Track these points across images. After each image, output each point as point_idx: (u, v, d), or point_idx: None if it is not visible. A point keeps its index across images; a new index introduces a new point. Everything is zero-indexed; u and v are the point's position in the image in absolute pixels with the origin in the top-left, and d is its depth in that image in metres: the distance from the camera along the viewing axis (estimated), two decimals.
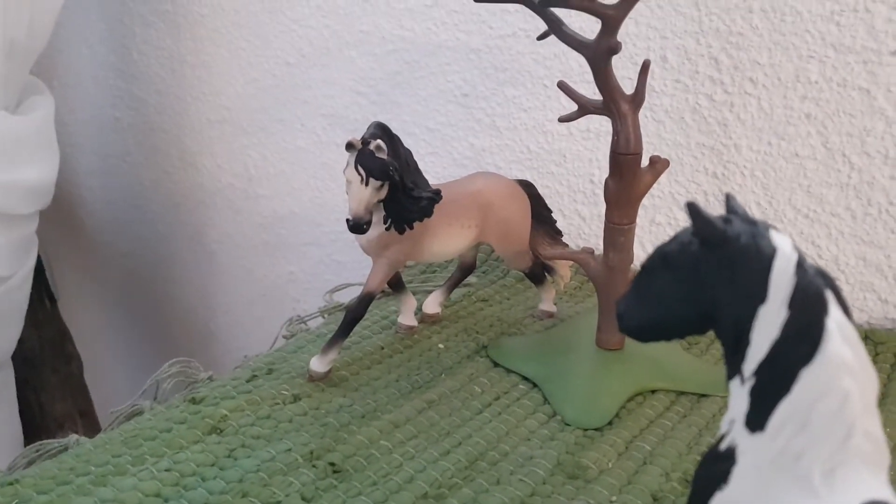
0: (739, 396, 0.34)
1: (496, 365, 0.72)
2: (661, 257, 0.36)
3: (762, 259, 0.33)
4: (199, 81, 1.24)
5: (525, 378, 0.69)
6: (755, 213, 0.80)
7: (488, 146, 0.96)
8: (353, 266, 1.22)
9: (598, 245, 0.91)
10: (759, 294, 0.33)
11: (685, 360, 0.71)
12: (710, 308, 0.35)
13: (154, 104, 1.32)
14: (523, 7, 0.89)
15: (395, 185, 0.63)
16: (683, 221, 0.85)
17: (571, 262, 0.79)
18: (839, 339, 0.31)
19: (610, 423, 0.63)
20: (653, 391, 0.67)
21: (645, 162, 0.64)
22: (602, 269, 0.67)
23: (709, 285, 0.34)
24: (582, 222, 0.92)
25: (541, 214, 0.75)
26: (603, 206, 0.92)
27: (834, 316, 0.32)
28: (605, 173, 0.90)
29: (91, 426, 1.21)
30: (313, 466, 0.57)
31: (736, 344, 0.34)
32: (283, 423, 0.62)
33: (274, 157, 1.21)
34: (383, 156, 0.62)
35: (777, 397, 0.32)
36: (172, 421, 0.62)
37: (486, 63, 0.93)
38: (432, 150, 1.01)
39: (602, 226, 0.92)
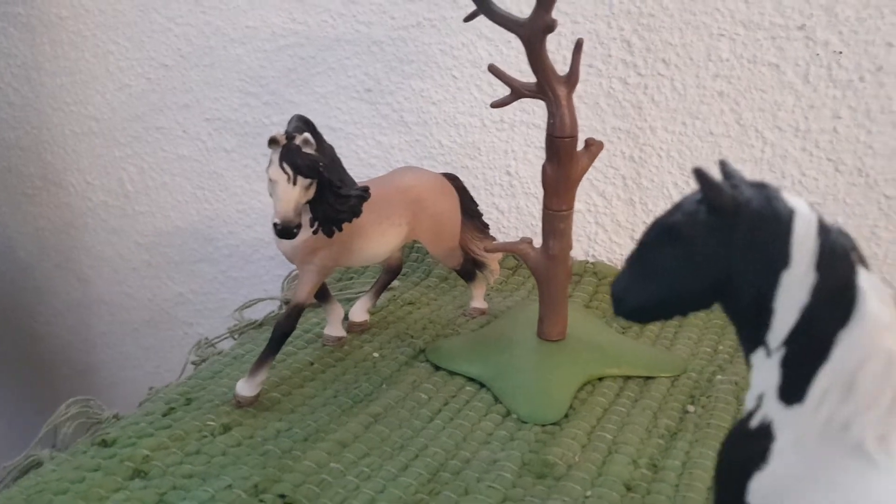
0: (767, 369, 0.32)
1: (437, 368, 0.68)
2: (665, 229, 0.34)
3: (781, 222, 0.31)
4: (61, 90, 1.11)
5: (470, 379, 0.66)
6: (673, 195, 0.81)
7: (397, 143, 0.92)
8: (251, 282, 1.14)
9: (518, 237, 0.90)
10: (781, 259, 0.31)
11: (626, 343, 0.71)
12: (722, 280, 0.33)
13: (6, 118, 1.17)
14: None
15: (323, 183, 0.58)
16: (602, 207, 0.85)
17: (500, 255, 0.77)
18: (875, 298, 0.30)
19: (566, 415, 0.61)
20: (600, 378, 0.66)
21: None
22: (542, 259, 0.65)
23: (721, 255, 0.32)
24: (501, 215, 0.90)
25: (469, 208, 0.73)
26: (520, 198, 0.91)
27: (864, 275, 0.30)
28: (521, 163, 0.89)
29: None
30: (260, 501, 0.51)
31: (757, 315, 0.32)
32: (216, 457, 0.56)
33: (153, 170, 1.11)
34: (311, 151, 0.57)
35: (815, 365, 0.30)
36: (83, 469, 0.54)
37: (390, 55, 0.89)
38: (336, 150, 0.96)
39: (521, 218, 0.91)
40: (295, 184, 0.56)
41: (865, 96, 0.74)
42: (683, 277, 0.34)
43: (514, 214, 0.89)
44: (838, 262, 0.30)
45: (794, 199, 0.32)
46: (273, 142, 0.56)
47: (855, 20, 0.72)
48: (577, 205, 0.86)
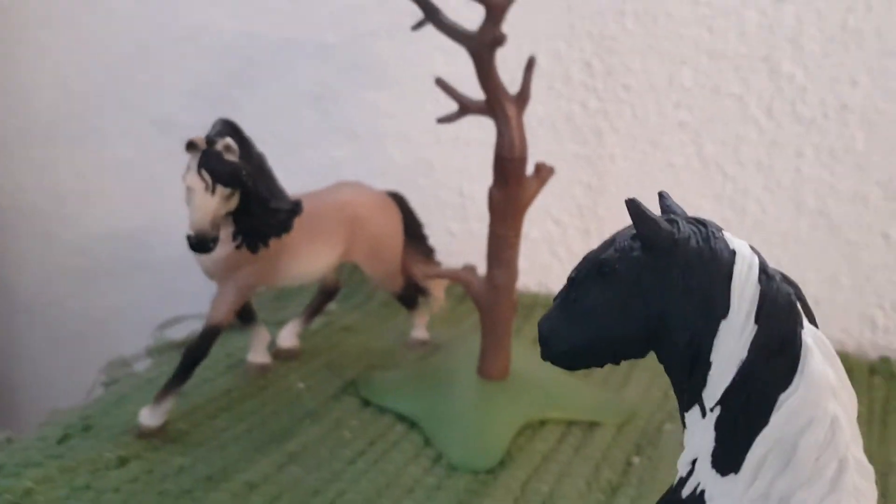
0: (702, 430, 0.27)
1: (367, 404, 0.63)
2: (596, 266, 0.30)
3: (720, 265, 0.27)
4: None
5: (402, 417, 0.61)
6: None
7: (347, 156, 0.88)
8: (193, 295, 1.07)
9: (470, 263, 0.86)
10: (719, 306, 0.27)
11: (572, 385, 0.66)
12: (656, 325, 0.29)
13: None
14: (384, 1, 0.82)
15: (248, 194, 0.54)
16: (558, 235, 0.81)
17: (446, 283, 0.73)
18: (819, 355, 0.25)
19: (501, 462, 0.56)
20: (542, 422, 0.61)
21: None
22: (486, 289, 0.60)
23: (655, 298, 0.28)
24: (451, 239, 0.86)
25: (413, 230, 0.68)
26: (473, 222, 0.87)
27: (808, 329, 0.26)
28: (476, 184, 0.85)
29: None
30: None
31: (692, 367, 0.28)
32: (106, 493, 0.50)
33: (90, 172, 1.05)
34: (233, 157, 0.52)
35: (752, 430, 0.26)
36: None
37: (344, 62, 0.84)
38: (281, 161, 0.91)
39: (473, 243, 0.86)
40: (214, 193, 0.51)
41: (829, 135, 0.72)
42: (615, 319, 0.30)
43: (467, 238, 0.84)
44: (780, 313, 0.26)
45: (736, 240, 0.28)
46: (191, 146, 0.51)
47: (820, 54, 0.69)
48: (532, 233, 0.82)
